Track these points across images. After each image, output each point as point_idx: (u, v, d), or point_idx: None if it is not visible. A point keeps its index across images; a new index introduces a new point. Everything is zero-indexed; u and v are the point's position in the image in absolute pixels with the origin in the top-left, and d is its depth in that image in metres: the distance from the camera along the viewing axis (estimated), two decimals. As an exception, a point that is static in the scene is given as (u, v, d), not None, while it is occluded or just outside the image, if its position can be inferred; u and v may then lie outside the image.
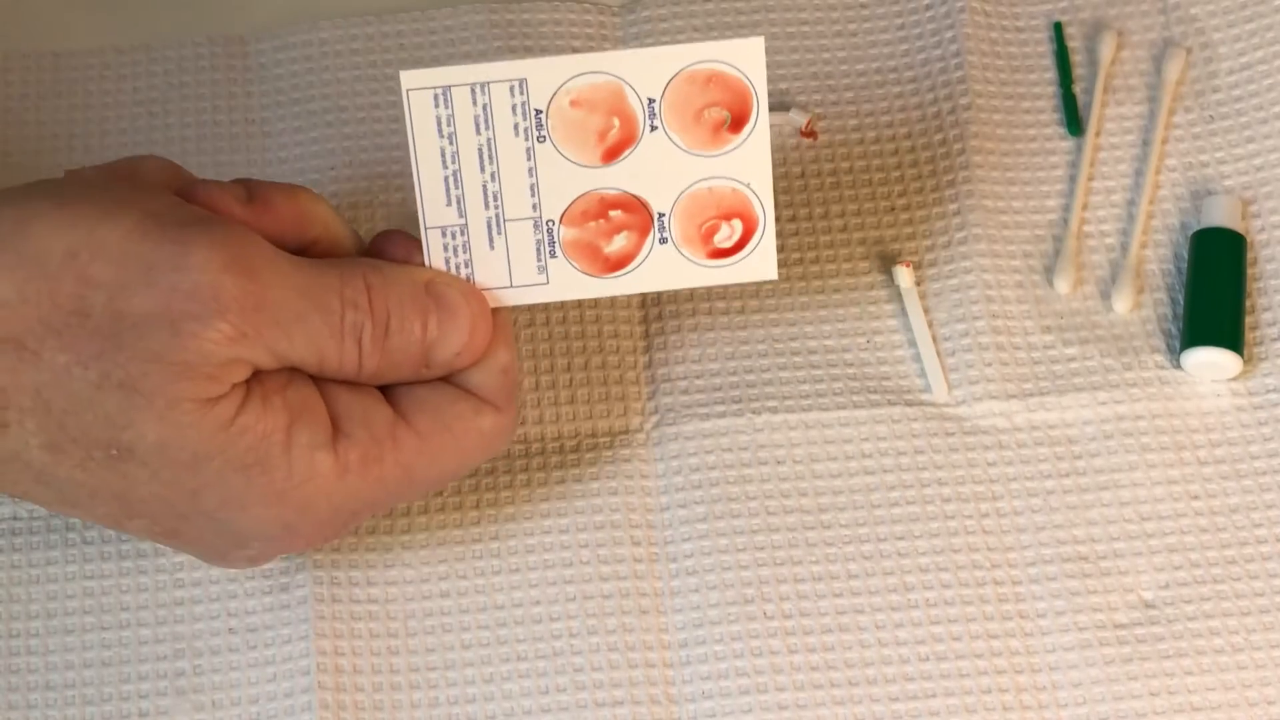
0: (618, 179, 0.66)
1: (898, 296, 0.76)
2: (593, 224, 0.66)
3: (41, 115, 0.80)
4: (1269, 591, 0.69)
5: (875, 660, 0.68)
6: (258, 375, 0.62)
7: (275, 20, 0.83)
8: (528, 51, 0.81)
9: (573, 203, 0.66)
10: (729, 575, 0.70)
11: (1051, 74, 0.81)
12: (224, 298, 0.61)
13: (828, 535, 0.70)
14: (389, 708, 0.67)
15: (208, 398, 0.61)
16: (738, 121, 0.66)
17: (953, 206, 0.77)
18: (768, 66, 0.81)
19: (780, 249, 0.76)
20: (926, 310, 0.75)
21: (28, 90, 0.81)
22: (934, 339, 0.75)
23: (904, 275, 0.75)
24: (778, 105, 0.80)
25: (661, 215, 0.66)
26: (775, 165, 0.78)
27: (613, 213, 0.66)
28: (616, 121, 0.65)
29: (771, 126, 0.79)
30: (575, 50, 0.81)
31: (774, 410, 0.73)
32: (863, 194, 0.78)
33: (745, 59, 0.65)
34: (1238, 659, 0.68)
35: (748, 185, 0.66)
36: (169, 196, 0.63)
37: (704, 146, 0.66)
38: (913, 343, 0.75)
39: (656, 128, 0.65)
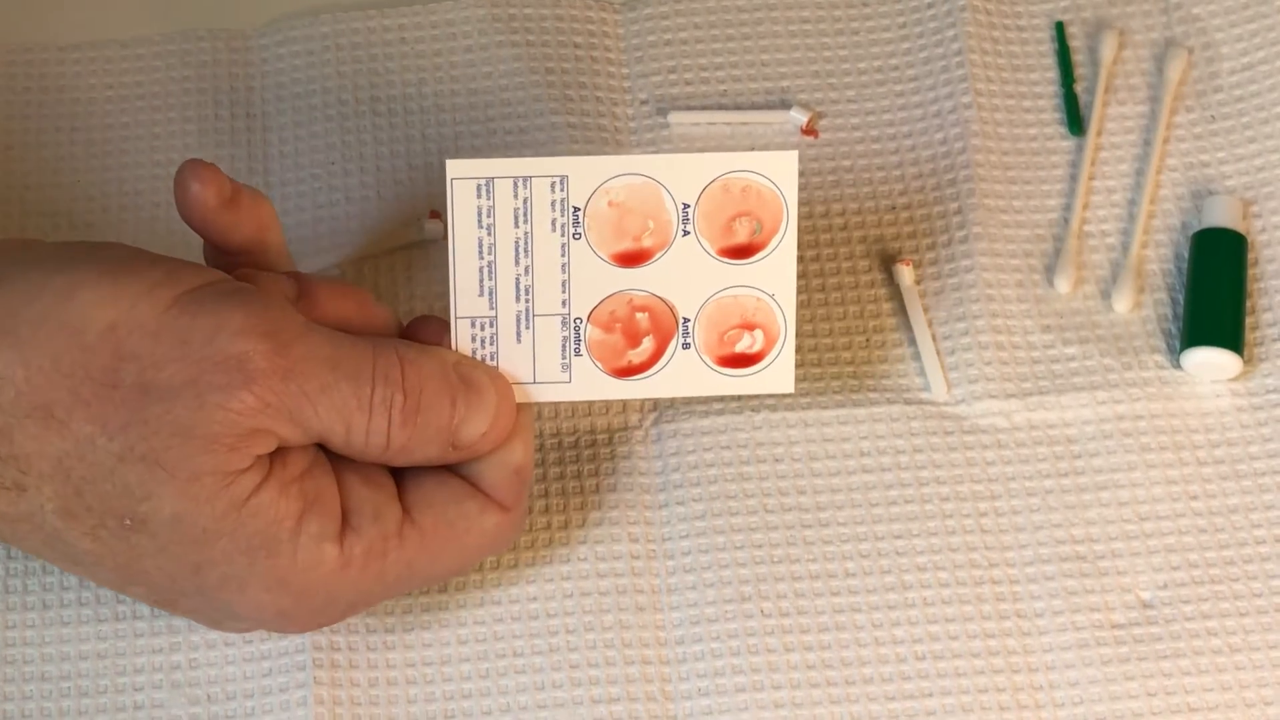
0: (647, 281, 0.66)
1: (898, 295, 0.75)
2: (619, 327, 0.66)
3: (44, 109, 0.80)
4: (1268, 592, 0.69)
5: (872, 659, 0.68)
6: (280, 457, 0.63)
7: (276, 14, 0.83)
8: (529, 46, 0.81)
9: (601, 302, 0.66)
10: (726, 573, 0.69)
11: (1053, 73, 0.81)
12: (250, 368, 0.61)
13: (826, 533, 0.70)
14: (385, 702, 0.67)
15: (229, 471, 0.61)
16: (767, 232, 0.66)
17: (953, 205, 0.77)
18: (769, 65, 0.81)
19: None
20: (926, 309, 0.75)
21: (30, 84, 0.81)
22: (934, 338, 0.74)
23: (904, 274, 0.75)
24: (778, 103, 0.80)
25: (687, 320, 0.67)
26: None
27: (639, 315, 0.66)
28: (651, 224, 0.66)
29: (772, 125, 0.80)
30: (576, 48, 0.81)
31: (773, 408, 0.73)
32: (863, 193, 0.78)
33: (779, 171, 0.66)
34: (1236, 659, 0.68)
35: (772, 296, 0.67)
36: (214, 271, 0.64)
37: (733, 255, 0.66)
38: (913, 341, 0.75)
39: (689, 233, 0.66)
